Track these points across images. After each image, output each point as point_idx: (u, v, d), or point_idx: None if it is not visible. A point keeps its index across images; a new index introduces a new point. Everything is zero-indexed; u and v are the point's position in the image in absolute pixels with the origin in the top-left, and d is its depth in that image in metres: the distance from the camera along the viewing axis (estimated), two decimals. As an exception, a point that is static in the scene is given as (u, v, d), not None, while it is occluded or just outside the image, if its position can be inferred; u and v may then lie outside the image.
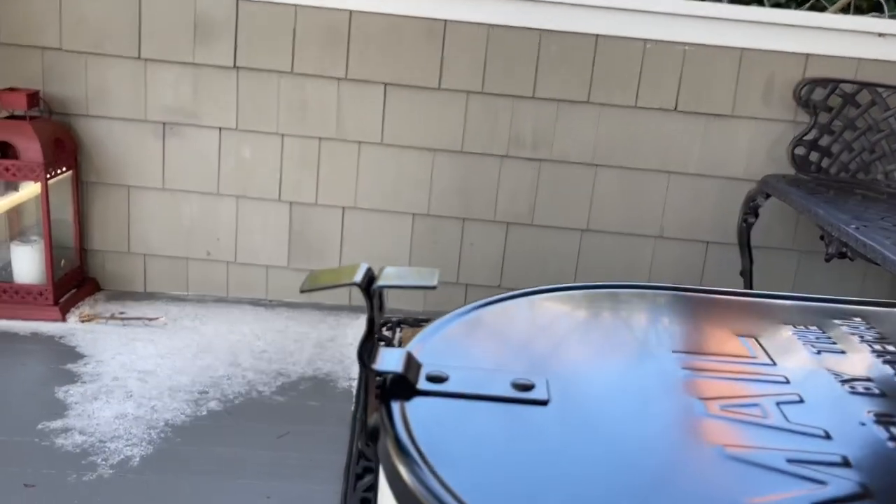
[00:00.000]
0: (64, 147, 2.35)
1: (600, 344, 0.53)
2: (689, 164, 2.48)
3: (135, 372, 2.04)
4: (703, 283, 2.58)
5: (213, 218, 2.52)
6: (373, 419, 0.43)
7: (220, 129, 2.44)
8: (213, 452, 1.74)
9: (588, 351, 0.51)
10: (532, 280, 2.56)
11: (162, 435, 1.78)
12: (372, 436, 0.42)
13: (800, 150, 2.40)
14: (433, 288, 0.40)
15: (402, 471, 0.35)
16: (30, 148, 2.21)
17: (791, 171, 2.42)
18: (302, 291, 0.39)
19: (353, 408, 1.97)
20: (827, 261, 2.00)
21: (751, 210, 2.33)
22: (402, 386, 0.42)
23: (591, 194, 2.51)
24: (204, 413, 1.88)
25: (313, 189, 2.50)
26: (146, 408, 1.88)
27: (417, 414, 0.40)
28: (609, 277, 2.56)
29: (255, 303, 2.55)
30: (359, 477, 1.68)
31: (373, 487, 1.42)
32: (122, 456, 1.69)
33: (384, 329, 2.40)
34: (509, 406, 0.42)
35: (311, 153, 2.47)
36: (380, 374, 0.42)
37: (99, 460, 1.67)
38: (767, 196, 2.30)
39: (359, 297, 2.38)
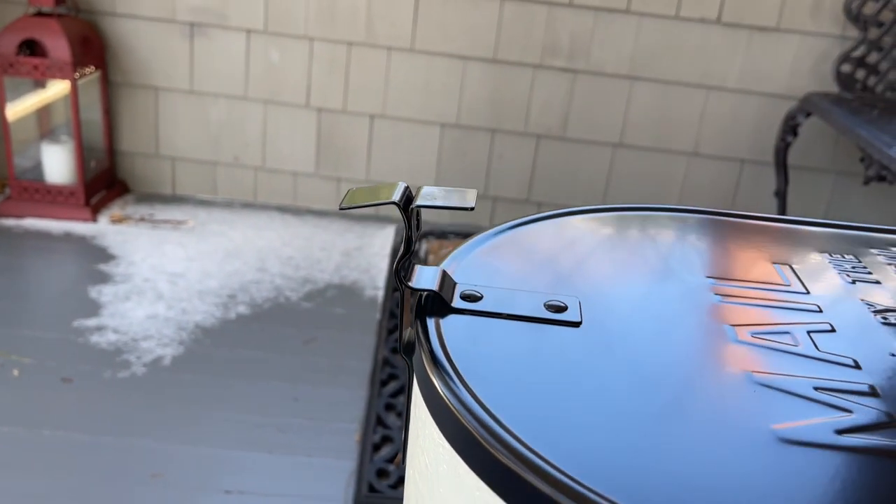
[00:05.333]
0: (91, 46, 2.33)
1: (632, 268, 0.53)
2: (728, 79, 2.41)
3: (165, 274, 2.09)
4: (736, 202, 2.55)
5: (240, 122, 2.51)
6: (408, 334, 0.44)
7: (249, 31, 2.40)
8: (242, 355, 1.79)
9: (620, 274, 0.52)
10: (561, 194, 2.54)
11: (192, 336, 1.83)
12: (407, 350, 0.44)
13: (845, 68, 2.31)
14: (471, 209, 0.40)
15: (437, 384, 0.36)
16: (58, 46, 2.19)
17: (835, 89, 2.34)
18: (341, 209, 0.40)
19: (378, 317, 2.01)
20: (865, 184, 1.95)
21: (790, 129, 2.27)
22: (438, 303, 0.43)
23: (626, 108, 2.45)
24: (233, 316, 1.93)
25: (341, 96, 2.47)
26: (176, 309, 1.93)
27: (451, 331, 0.41)
28: (640, 193, 2.53)
29: (283, 209, 2.57)
30: (383, 383, 1.73)
31: (398, 394, 1.44)
32: (154, 355, 1.74)
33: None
34: (541, 326, 0.42)
35: (340, 58, 2.43)
36: (416, 290, 0.43)
37: (132, 358, 1.72)
38: (808, 114, 2.23)
39: (385, 208, 2.41)
